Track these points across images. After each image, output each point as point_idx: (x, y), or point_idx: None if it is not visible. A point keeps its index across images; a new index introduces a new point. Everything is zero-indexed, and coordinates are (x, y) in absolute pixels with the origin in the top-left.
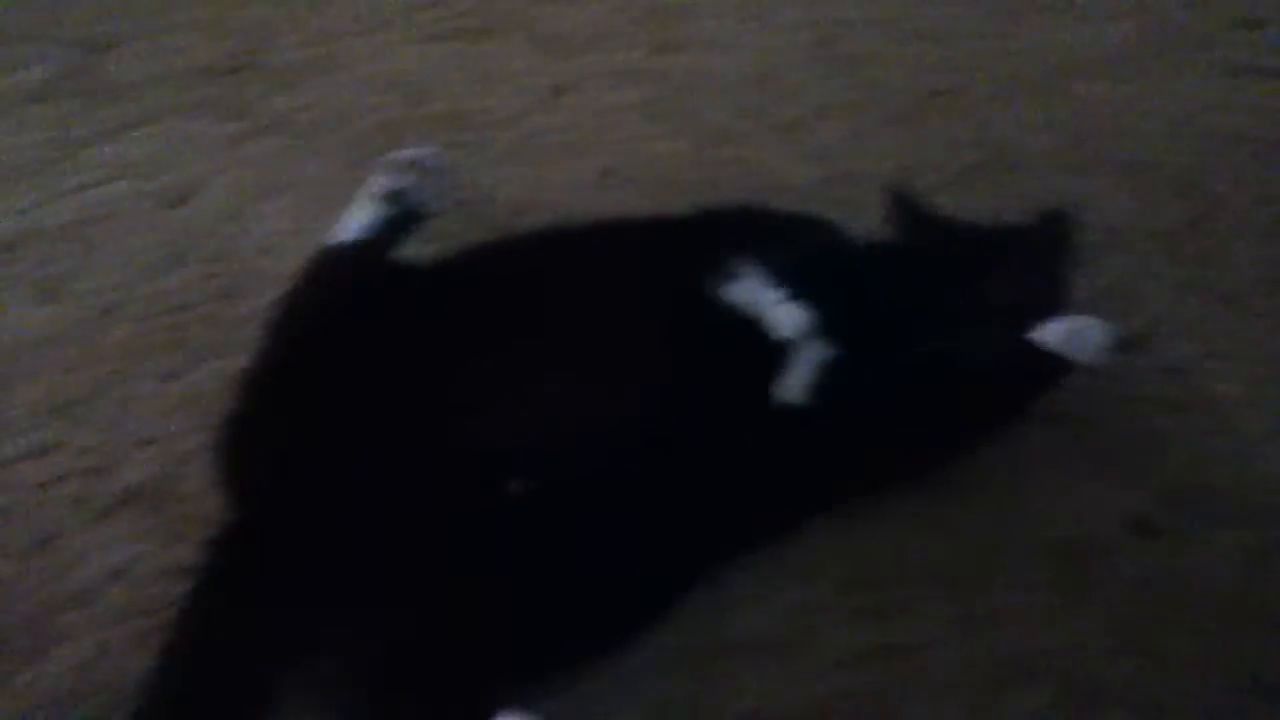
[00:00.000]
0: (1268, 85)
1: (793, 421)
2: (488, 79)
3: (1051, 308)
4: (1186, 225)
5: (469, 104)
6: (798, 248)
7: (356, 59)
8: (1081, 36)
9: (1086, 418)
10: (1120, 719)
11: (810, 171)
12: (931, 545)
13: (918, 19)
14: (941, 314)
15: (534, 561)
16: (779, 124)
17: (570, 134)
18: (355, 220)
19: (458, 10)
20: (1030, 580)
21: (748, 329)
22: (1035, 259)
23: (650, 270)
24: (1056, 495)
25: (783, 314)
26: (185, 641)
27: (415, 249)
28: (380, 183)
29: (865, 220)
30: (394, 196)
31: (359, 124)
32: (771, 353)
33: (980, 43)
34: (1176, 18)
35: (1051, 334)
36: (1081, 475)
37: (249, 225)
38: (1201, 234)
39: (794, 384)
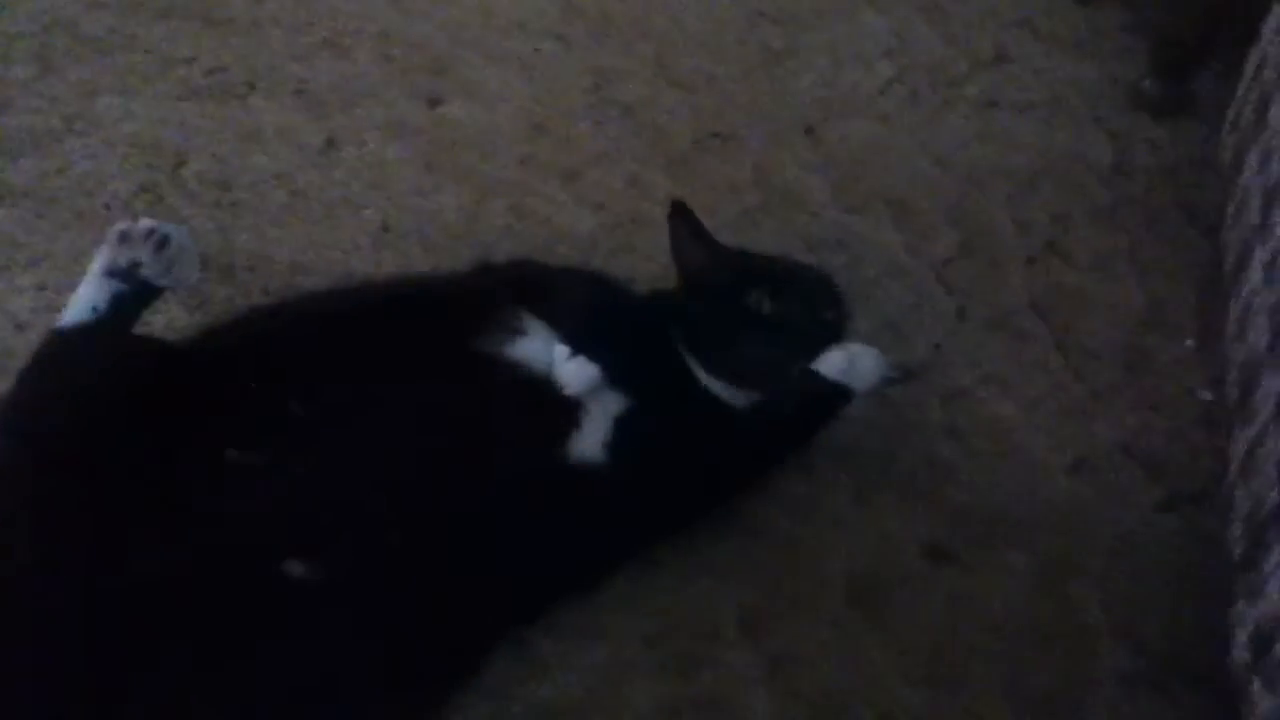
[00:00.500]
0: (1019, 118)
1: (589, 476)
2: (253, 136)
3: (832, 332)
4: (956, 255)
5: (235, 163)
6: (579, 301)
7: (109, 119)
8: (846, 78)
9: (878, 450)
10: None
11: (590, 219)
12: (735, 592)
13: (685, 65)
14: (725, 352)
15: (315, 640)
16: (557, 173)
17: (345, 190)
18: (84, 300)
19: (216, 66)
20: (832, 617)
21: (536, 386)
22: (812, 285)
23: (430, 330)
24: (852, 529)
25: (571, 368)
26: None
27: (181, 318)
28: (107, 258)
29: (648, 266)
30: (123, 272)
31: (115, 189)
32: (562, 408)
33: (748, 87)
34: (932, 57)
35: (829, 364)
36: (876, 507)
37: None
38: (971, 262)
39: (588, 439)
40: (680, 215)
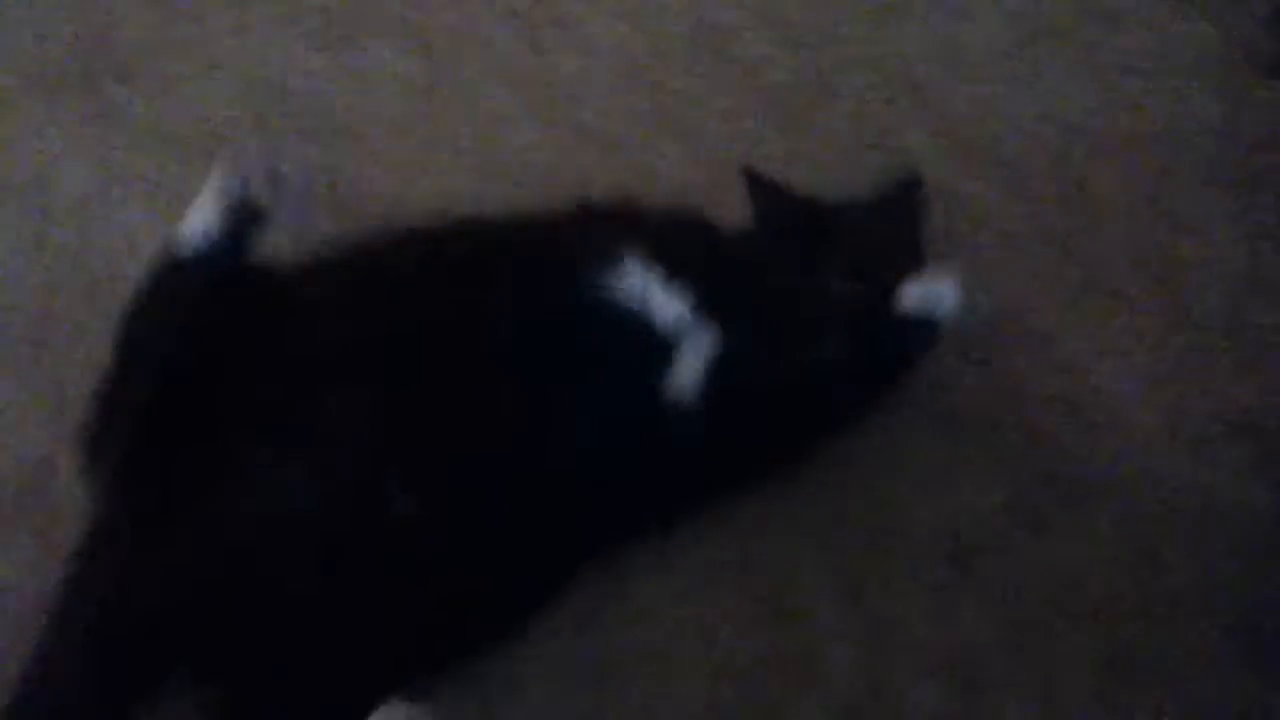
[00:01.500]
0: (1135, 80)
1: (680, 416)
2: (362, 75)
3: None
4: (1080, 226)
5: (340, 103)
6: (678, 239)
7: (223, 57)
8: (958, 35)
9: (978, 417)
10: (1012, 710)
11: (693, 172)
12: (824, 550)
13: (797, 21)
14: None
15: (418, 567)
16: (655, 121)
17: (445, 133)
18: (198, 224)
19: (328, 5)
20: (921, 579)
21: (632, 323)
22: (892, 227)
23: (529, 265)
24: (947, 494)
25: (669, 305)
26: (48, 655)
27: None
28: (222, 184)
29: (742, 213)
30: (236, 198)
31: (228, 120)
32: (657, 346)
33: (860, 43)
34: (1061, 19)
35: (909, 298)
36: (972, 473)
37: (109, 224)
38: (1095, 234)
39: (681, 379)
40: (749, 180)
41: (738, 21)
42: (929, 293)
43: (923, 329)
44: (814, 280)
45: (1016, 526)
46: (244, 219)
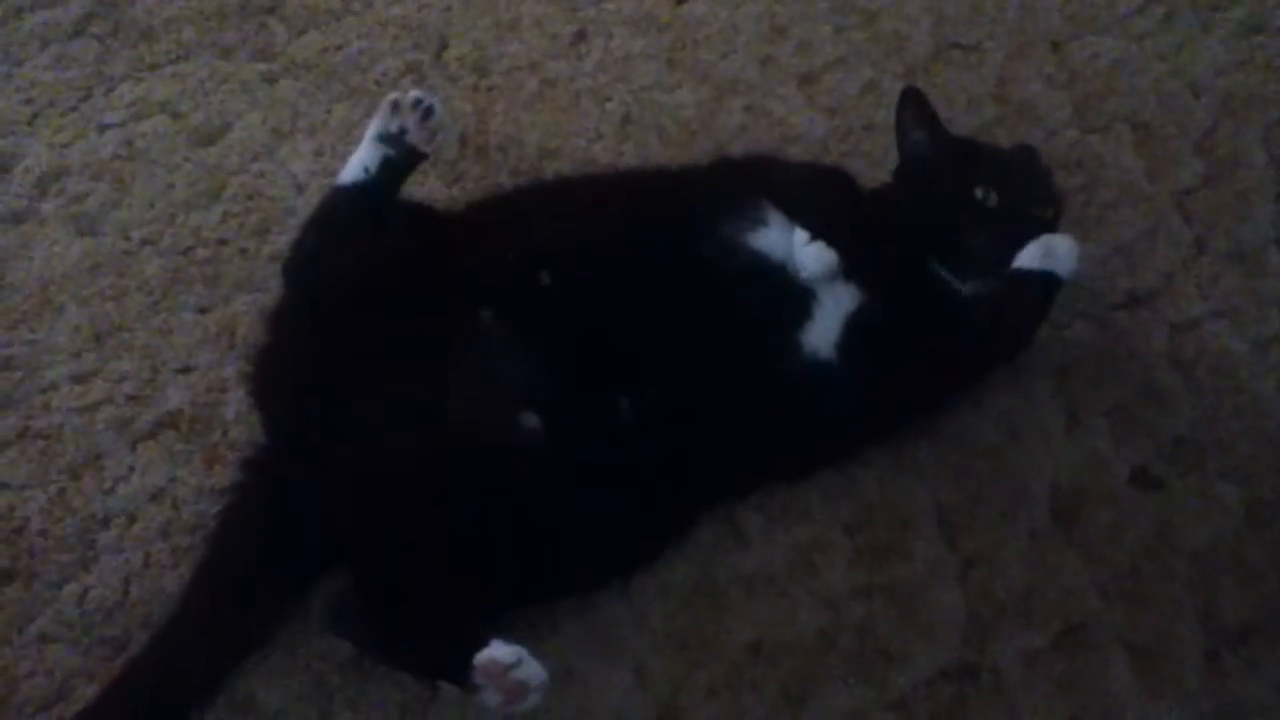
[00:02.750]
0: (1265, 40)
1: (817, 368)
2: (511, 25)
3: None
4: (1200, 184)
5: (492, 49)
6: (819, 191)
7: (381, 2)
8: None
9: (1094, 372)
10: (1119, 658)
11: (824, 123)
12: (935, 491)
13: None
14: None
15: (549, 490)
16: (794, 75)
17: (591, 81)
18: (358, 161)
19: None
20: (1030, 527)
21: (773, 275)
22: (1031, 173)
23: (674, 217)
24: (1060, 446)
25: (811, 253)
26: (216, 556)
27: (440, 190)
28: (379, 124)
29: (877, 173)
30: (391, 138)
31: (385, 66)
32: (797, 299)
33: (997, 2)
34: None
35: (1028, 256)
36: (1086, 428)
37: (279, 163)
38: (1215, 193)
39: (819, 332)
40: (911, 97)
41: None
42: (1050, 251)
43: (1050, 284)
44: (960, 194)
45: (1122, 481)
46: (398, 158)
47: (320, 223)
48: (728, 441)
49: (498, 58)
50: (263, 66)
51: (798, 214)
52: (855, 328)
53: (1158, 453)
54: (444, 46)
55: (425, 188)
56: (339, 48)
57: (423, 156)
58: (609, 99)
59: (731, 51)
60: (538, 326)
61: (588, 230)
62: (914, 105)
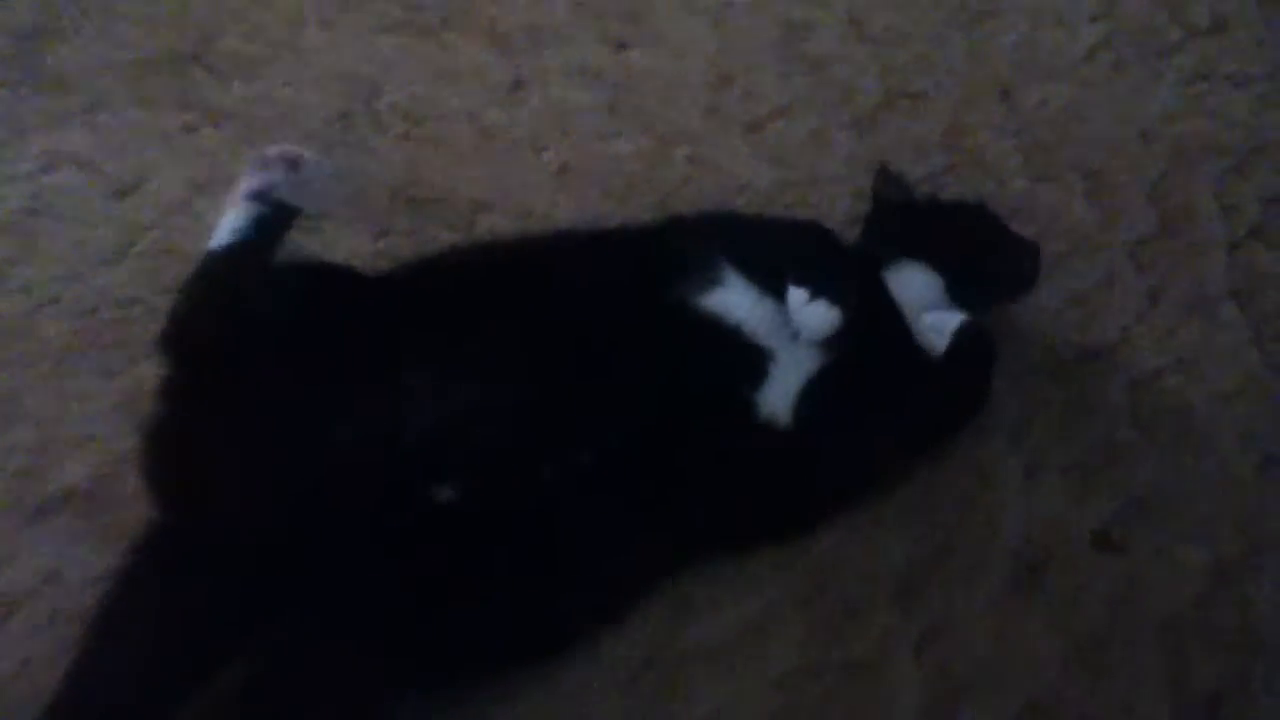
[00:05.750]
0: (1234, 93)
1: (771, 433)
2: (445, 73)
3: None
4: (1154, 234)
5: (426, 98)
6: (810, 245)
7: (310, 51)
8: (1047, 40)
9: (1052, 428)
10: None
11: (770, 173)
12: (890, 557)
13: (878, 22)
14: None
15: (463, 565)
16: (740, 124)
17: (528, 130)
18: (228, 222)
19: (415, 3)
20: (988, 594)
21: (727, 338)
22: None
23: (620, 279)
24: (1019, 507)
25: (816, 312)
26: (98, 647)
27: (366, 245)
28: (247, 182)
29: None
30: (260, 195)
31: (312, 117)
32: (755, 358)
33: (943, 46)
34: (1143, 22)
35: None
36: (1045, 487)
37: (196, 217)
38: (1169, 243)
39: (779, 394)
40: (882, 175)
41: (824, 25)
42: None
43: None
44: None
45: (1084, 544)
46: (270, 216)
47: (193, 291)
48: (675, 510)
49: (432, 106)
50: (184, 116)
51: (791, 270)
52: (814, 392)
53: (1119, 513)
54: (376, 95)
55: (350, 242)
56: (265, 96)
57: (296, 212)
58: (547, 149)
59: (675, 100)
60: (462, 391)
61: (525, 294)
62: (882, 182)
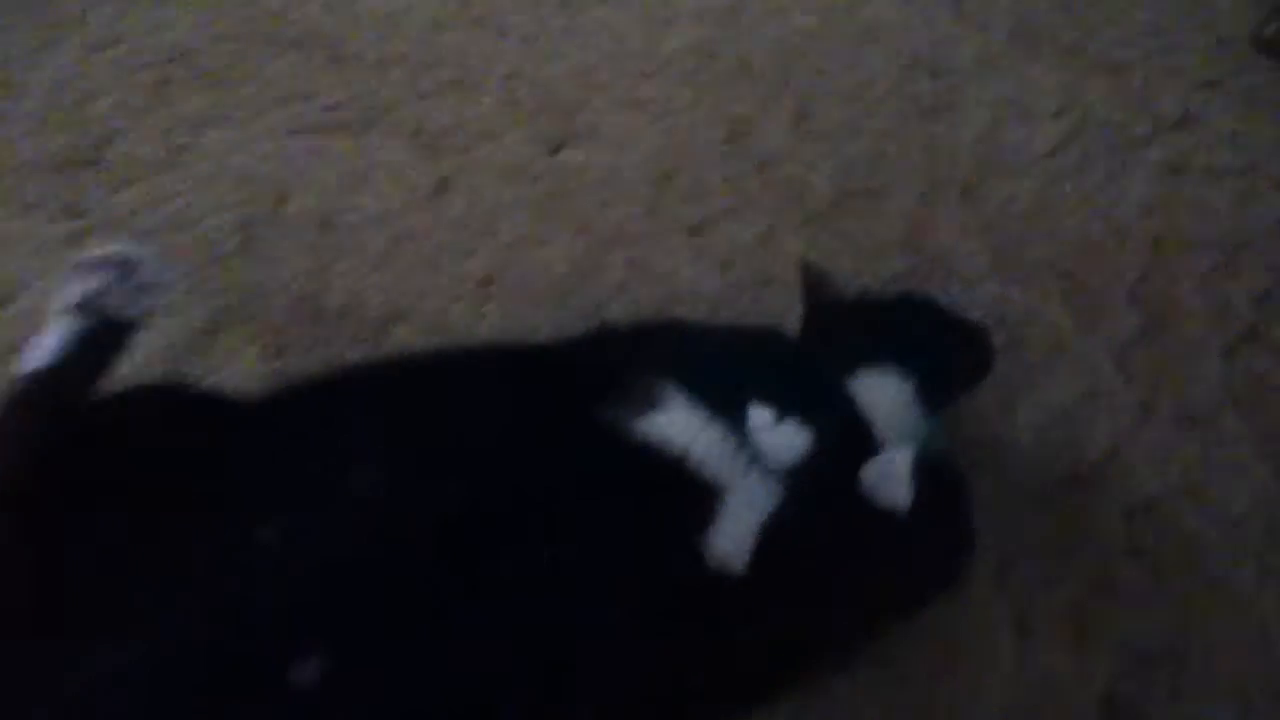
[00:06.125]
0: (1211, 186)
1: (722, 587)
2: (362, 176)
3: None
4: (1138, 338)
5: (338, 203)
6: (777, 362)
7: (216, 152)
8: (1011, 135)
9: (1042, 568)
10: None
11: (716, 278)
12: None
13: (829, 117)
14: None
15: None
16: (682, 226)
17: (452, 236)
18: (47, 340)
19: (334, 103)
20: None
21: (668, 470)
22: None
23: (544, 404)
24: (1012, 670)
25: (784, 441)
26: None
27: (259, 364)
28: (69, 293)
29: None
30: (84, 307)
31: (211, 222)
32: (699, 495)
33: (899, 142)
34: (1109, 116)
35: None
36: (1040, 643)
37: None
38: (1156, 349)
39: (730, 538)
40: (809, 272)
41: (771, 120)
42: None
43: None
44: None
45: (1090, 713)
46: (97, 331)
47: (5, 417)
48: (608, 679)
49: (344, 211)
50: (68, 225)
51: (751, 386)
52: (774, 532)
53: (1128, 671)
54: (283, 200)
55: (242, 359)
56: (158, 204)
57: (130, 325)
58: (471, 254)
59: (611, 201)
60: (330, 546)
61: (421, 420)
62: (810, 281)
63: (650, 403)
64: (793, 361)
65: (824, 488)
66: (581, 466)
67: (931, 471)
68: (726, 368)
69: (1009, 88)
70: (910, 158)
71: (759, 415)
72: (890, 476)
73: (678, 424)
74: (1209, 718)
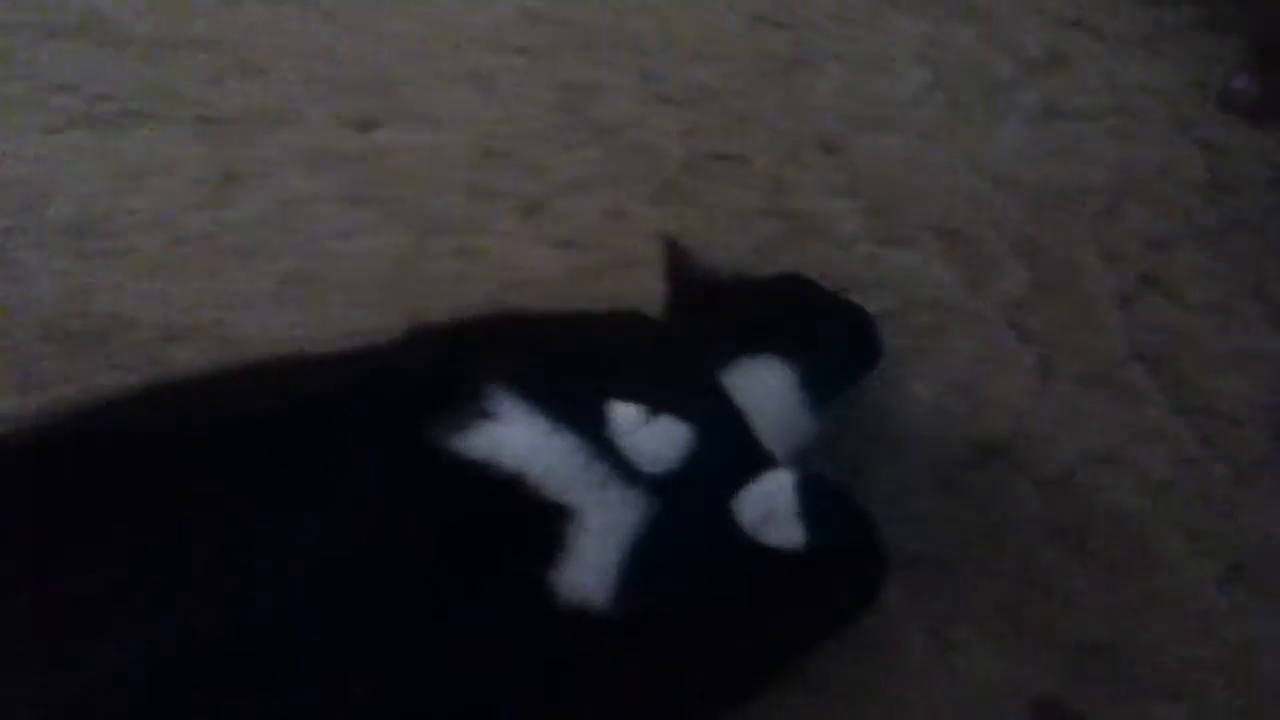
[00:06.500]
0: (1089, 128)
1: (583, 626)
2: (135, 174)
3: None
4: (1030, 294)
5: (107, 205)
6: (643, 350)
7: None
8: (873, 87)
9: (961, 564)
10: None
11: (558, 261)
12: None
13: (678, 76)
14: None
15: None
16: (516, 206)
17: (243, 235)
18: None
19: (103, 93)
20: None
21: (507, 492)
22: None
23: (346, 419)
24: (937, 680)
25: (659, 441)
26: None
27: (9, 399)
28: None
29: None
30: None
31: None
32: (546, 517)
33: (753, 100)
34: (973, 60)
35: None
36: (965, 646)
37: None
38: (1050, 303)
39: (588, 566)
40: (672, 252)
41: (612, 85)
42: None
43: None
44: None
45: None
46: None
47: None
48: None
49: (112, 215)
50: None
51: (612, 382)
52: (642, 556)
53: (1065, 668)
54: (41, 207)
55: None
56: None
57: None
58: (268, 255)
59: (435, 184)
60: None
61: (200, 456)
62: (673, 260)
63: (477, 415)
64: (660, 348)
65: (706, 498)
66: (390, 503)
67: (820, 492)
68: (576, 362)
69: (866, 37)
70: (767, 116)
71: (623, 414)
72: (776, 516)
73: (511, 438)
74: (1156, 713)
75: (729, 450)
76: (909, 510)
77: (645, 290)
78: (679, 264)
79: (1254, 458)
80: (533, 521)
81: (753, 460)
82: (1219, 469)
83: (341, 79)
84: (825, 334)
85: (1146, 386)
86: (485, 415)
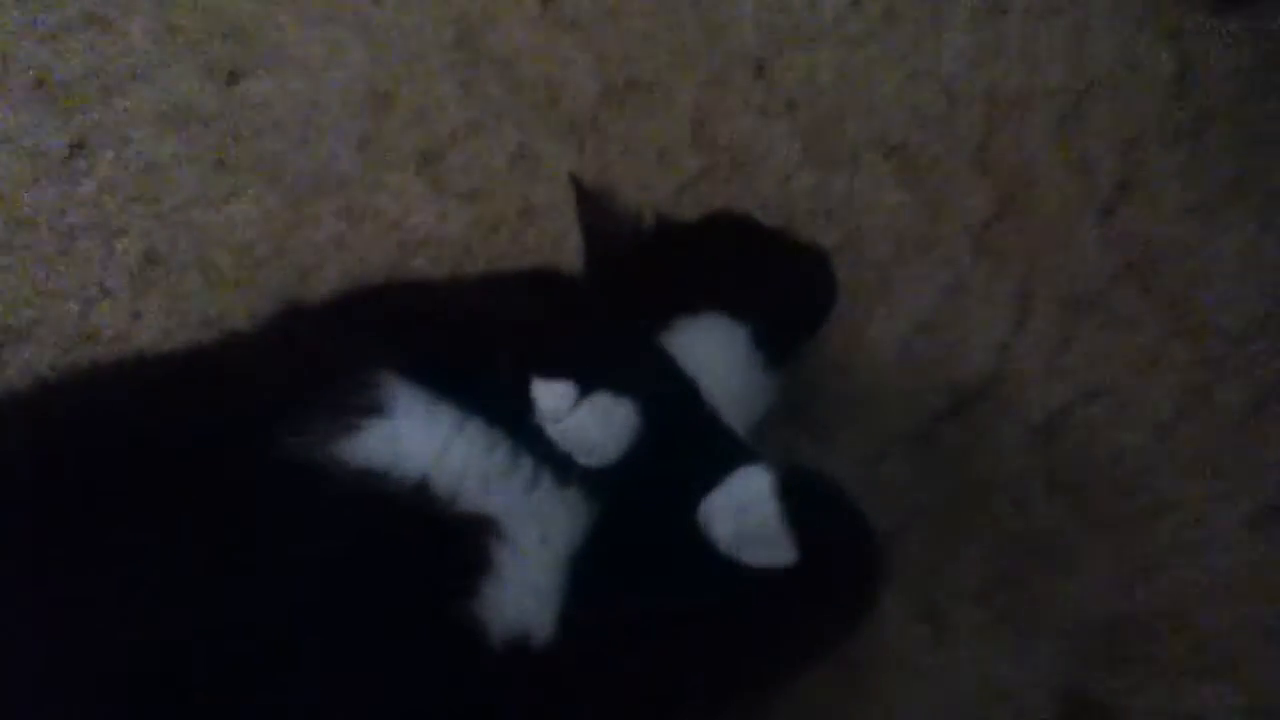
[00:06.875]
0: (1042, 25)
1: (523, 663)
2: None
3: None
4: (996, 213)
5: None
6: (498, 328)
7: None
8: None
9: (950, 540)
10: None
11: (461, 215)
12: None
13: (578, 3)
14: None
15: None
16: (410, 156)
17: (93, 211)
18: None
19: None
20: None
21: (405, 500)
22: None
23: (209, 424)
24: (940, 672)
25: (596, 425)
26: None
27: None
28: None
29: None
30: None
31: None
32: (463, 535)
33: (671, 19)
34: None
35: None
36: (968, 630)
37: None
38: (1019, 222)
39: (522, 591)
40: (585, 200)
41: (507, 14)
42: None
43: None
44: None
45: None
46: None
47: None
48: None
49: None
50: None
51: (531, 356)
52: (587, 569)
53: (1089, 651)
54: None
55: None
56: None
57: None
58: (122, 231)
59: (313, 137)
60: None
61: (59, 475)
62: (583, 203)
63: (366, 410)
64: (585, 312)
65: (661, 493)
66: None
67: (808, 495)
68: (485, 335)
69: None
70: (685, 38)
71: (549, 394)
72: (757, 532)
73: (410, 437)
74: (1204, 698)
75: (684, 430)
76: (883, 475)
77: (561, 244)
78: (596, 210)
79: (1269, 378)
80: (446, 541)
81: (716, 441)
82: (1231, 396)
83: (199, 27)
84: (774, 280)
85: (1138, 308)
86: (375, 411)
